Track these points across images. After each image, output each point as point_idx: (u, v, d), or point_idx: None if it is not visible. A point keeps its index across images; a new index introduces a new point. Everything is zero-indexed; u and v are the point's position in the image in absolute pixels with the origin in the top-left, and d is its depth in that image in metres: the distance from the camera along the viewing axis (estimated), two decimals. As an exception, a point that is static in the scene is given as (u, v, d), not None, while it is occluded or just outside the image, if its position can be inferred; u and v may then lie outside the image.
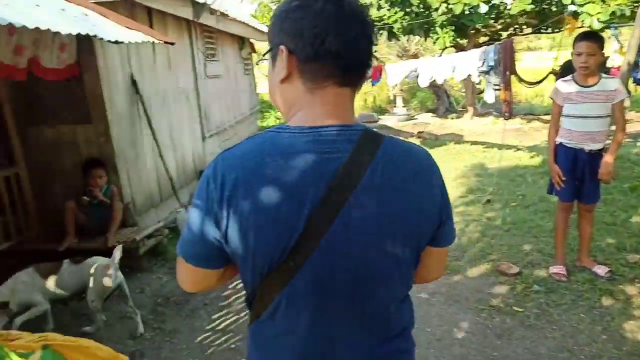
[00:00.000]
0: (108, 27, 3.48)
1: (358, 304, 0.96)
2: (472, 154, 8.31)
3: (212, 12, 6.30)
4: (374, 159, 0.91)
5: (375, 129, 0.97)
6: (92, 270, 3.03)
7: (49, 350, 1.69)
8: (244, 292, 1.02)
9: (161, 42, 3.99)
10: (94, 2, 4.00)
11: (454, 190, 5.97)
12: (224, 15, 6.99)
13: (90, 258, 3.14)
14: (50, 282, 3.02)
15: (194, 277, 1.03)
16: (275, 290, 0.94)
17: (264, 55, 1.03)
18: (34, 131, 4.32)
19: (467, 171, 6.99)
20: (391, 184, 0.92)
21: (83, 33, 2.90)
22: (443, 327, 3.04)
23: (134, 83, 4.74)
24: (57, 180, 4.40)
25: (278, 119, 17.16)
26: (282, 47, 0.93)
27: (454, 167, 7.21)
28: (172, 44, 4.34)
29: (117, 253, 3.07)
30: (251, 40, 9.89)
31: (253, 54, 10.92)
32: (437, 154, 8.51)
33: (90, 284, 3.00)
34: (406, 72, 8.06)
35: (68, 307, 3.39)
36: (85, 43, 3.99)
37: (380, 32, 11.07)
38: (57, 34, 3.24)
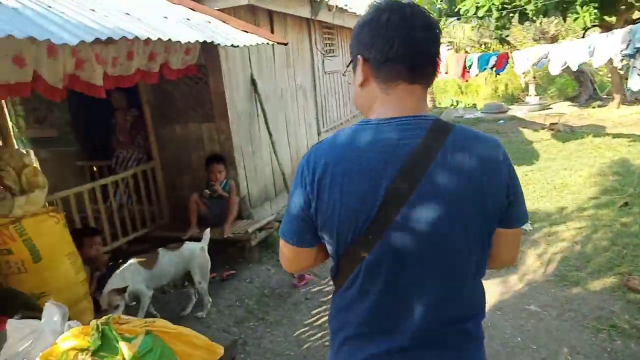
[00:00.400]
0: (227, 32, 3.72)
1: (428, 277, 1.05)
2: (614, 148, 7.33)
3: (330, 8, 6.39)
4: (444, 144, 1.03)
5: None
6: (192, 254, 3.26)
7: (150, 335, 1.89)
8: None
9: (275, 43, 4.15)
10: (218, 9, 4.30)
11: (585, 189, 5.34)
12: (342, 10, 7.05)
13: (183, 244, 3.37)
14: (152, 271, 3.27)
15: (290, 255, 1.20)
16: (356, 261, 1.07)
17: (347, 66, 1.21)
18: (167, 130, 4.81)
19: (605, 168, 6.19)
20: (460, 166, 1.03)
21: (200, 40, 3.14)
22: (551, 346, 2.75)
23: (253, 82, 5.02)
24: (185, 174, 4.86)
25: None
26: (359, 56, 1.12)
27: (588, 164, 6.45)
28: (285, 44, 4.50)
29: (206, 236, 3.28)
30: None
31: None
32: (569, 149, 7.68)
33: (195, 267, 3.24)
34: (534, 58, 7.36)
35: (169, 295, 3.73)
36: (209, 47, 4.31)
37: (511, 15, 10.26)
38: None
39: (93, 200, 4.25)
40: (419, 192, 1.01)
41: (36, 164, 5.58)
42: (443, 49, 14.45)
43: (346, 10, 7.12)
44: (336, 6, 6.51)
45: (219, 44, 3.31)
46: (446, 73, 9.19)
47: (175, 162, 4.85)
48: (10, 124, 5.47)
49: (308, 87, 6.59)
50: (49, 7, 2.41)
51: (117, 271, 3.16)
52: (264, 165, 5.23)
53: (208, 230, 3.44)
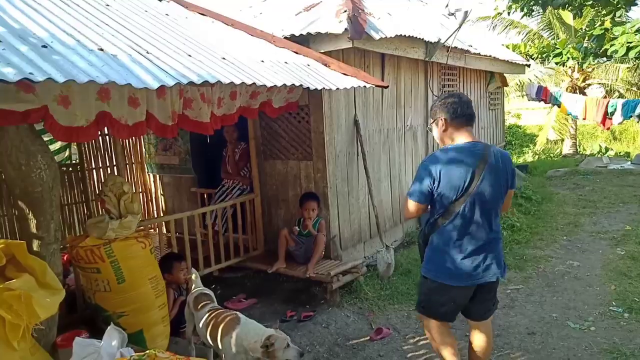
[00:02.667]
0: (323, 75, 3.78)
1: (485, 212, 2.53)
2: None
3: (449, 50, 6.17)
4: (491, 152, 2.53)
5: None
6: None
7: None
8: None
9: (373, 85, 4.10)
10: (324, 52, 4.40)
11: None
12: (464, 51, 6.77)
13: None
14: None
15: (412, 207, 2.62)
16: (457, 208, 2.51)
17: (429, 125, 2.80)
18: (269, 164, 5.00)
19: None
20: (498, 163, 2.53)
21: (288, 84, 3.22)
22: None
23: (356, 123, 5.02)
24: (281, 209, 4.98)
25: (535, 153, 15.64)
26: (442, 117, 2.60)
27: None
28: (385, 86, 4.42)
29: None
30: (502, 73, 9.29)
31: (504, 88, 10.26)
32: None
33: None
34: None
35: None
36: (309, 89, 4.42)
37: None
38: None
39: (202, 224, 4.60)
40: (483, 176, 2.48)
41: (160, 188, 6.21)
42: (585, 93, 13.00)
43: (468, 52, 6.82)
44: (455, 47, 6.26)
45: (307, 87, 3.35)
46: (584, 119, 8.24)
47: (274, 196, 5.01)
48: (143, 150, 6.20)
49: (419, 129, 6.39)
50: (148, 52, 2.67)
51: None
52: (360, 207, 5.14)
53: (195, 273, 3.46)
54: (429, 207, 2.63)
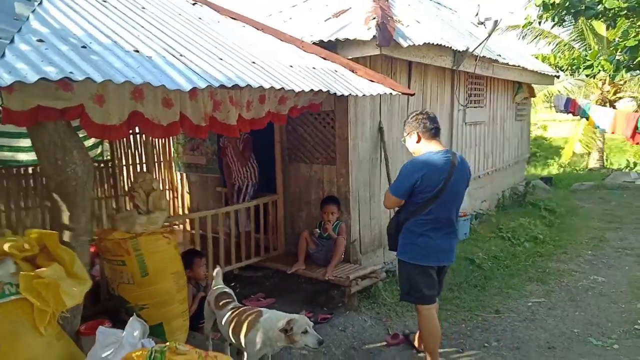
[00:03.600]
0: (350, 81, 3.82)
1: (452, 208, 3.22)
2: None
3: (477, 59, 6.14)
4: (457, 159, 3.21)
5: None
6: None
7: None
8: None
9: (400, 93, 4.13)
10: (351, 58, 4.44)
11: None
12: (492, 61, 6.72)
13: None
14: None
15: (392, 201, 3.29)
16: (432, 203, 3.12)
17: (404, 138, 3.45)
18: (293, 167, 5.07)
19: None
20: (461, 168, 3.21)
21: (316, 89, 3.27)
22: None
23: (380, 130, 5.04)
24: (303, 211, 5.03)
25: (561, 166, 15.37)
26: (416, 132, 3.28)
27: None
28: (412, 94, 4.44)
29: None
30: (530, 84, 9.18)
31: (531, 99, 10.11)
32: None
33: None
34: None
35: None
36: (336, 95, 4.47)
37: None
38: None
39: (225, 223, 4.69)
40: (452, 179, 3.11)
41: (186, 186, 6.34)
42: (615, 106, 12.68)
43: (496, 62, 6.76)
44: (484, 57, 6.22)
45: (334, 93, 3.39)
46: (612, 132, 8.07)
47: (296, 198, 5.06)
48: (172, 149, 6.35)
49: (443, 137, 6.35)
50: (181, 55, 2.76)
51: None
52: (381, 213, 5.15)
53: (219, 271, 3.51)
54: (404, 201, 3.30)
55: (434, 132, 3.24)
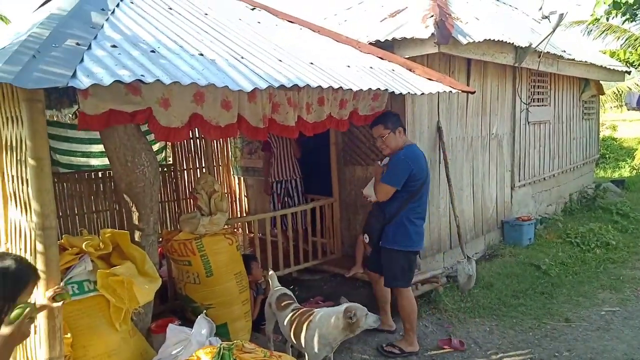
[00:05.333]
0: (408, 80, 3.75)
1: (428, 195, 3.67)
2: None
3: (540, 55, 5.87)
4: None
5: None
6: None
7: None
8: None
9: (459, 91, 4.00)
10: (409, 57, 4.37)
11: None
12: (557, 57, 6.41)
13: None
14: None
15: (389, 191, 3.46)
16: (420, 192, 3.51)
17: (386, 135, 3.61)
18: (349, 169, 5.03)
19: None
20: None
21: (374, 88, 3.23)
22: None
23: (438, 129, 4.92)
24: (360, 214, 4.98)
25: (633, 168, 14.42)
26: (399, 127, 3.63)
27: None
28: (472, 92, 4.28)
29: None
30: (598, 81, 8.68)
31: (600, 96, 9.56)
32: None
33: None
34: None
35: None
36: (394, 94, 4.40)
37: None
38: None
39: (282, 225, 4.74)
40: (428, 168, 3.62)
41: (243, 189, 6.46)
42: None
43: (561, 57, 6.44)
44: (548, 52, 5.94)
45: (392, 92, 3.34)
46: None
47: (353, 201, 5.02)
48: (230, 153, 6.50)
49: (505, 137, 6.13)
50: (242, 57, 2.81)
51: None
52: (440, 216, 5.01)
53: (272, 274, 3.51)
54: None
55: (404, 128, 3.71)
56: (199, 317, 2.55)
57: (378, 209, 3.63)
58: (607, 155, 15.93)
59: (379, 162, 3.75)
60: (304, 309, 3.12)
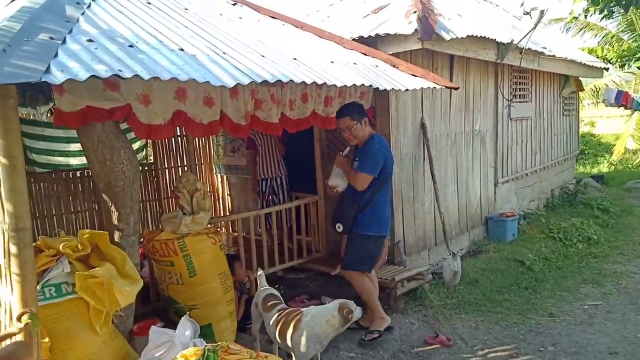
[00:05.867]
0: (392, 76, 3.72)
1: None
2: None
3: (520, 51, 5.91)
4: None
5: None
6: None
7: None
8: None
9: (443, 87, 4.00)
10: (392, 53, 4.34)
11: None
12: (537, 53, 6.47)
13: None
14: None
15: (367, 180, 3.54)
16: (390, 178, 3.76)
17: (355, 126, 3.64)
18: (332, 166, 4.99)
19: None
20: None
21: (358, 84, 3.19)
22: None
23: (423, 126, 4.92)
24: (345, 211, 4.94)
25: (612, 164, 14.70)
26: (365, 117, 3.68)
27: None
28: (456, 88, 4.29)
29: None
30: (577, 77, 8.81)
31: (579, 93, 9.69)
32: None
33: None
34: None
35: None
36: (379, 90, 4.37)
37: None
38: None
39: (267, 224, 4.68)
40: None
41: (227, 188, 6.38)
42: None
43: (542, 54, 6.50)
44: (529, 49, 5.98)
45: (377, 88, 3.31)
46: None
47: (337, 198, 4.97)
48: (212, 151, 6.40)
49: (488, 134, 6.17)
50: (224, 53, 2.74)
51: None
52: (425, 212, 5.01)
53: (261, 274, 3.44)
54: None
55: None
56: (182, 318, 2.49)
57: (350, 198, 3.67)
58: (586, 151, 16.21)
59: (341, 153, 3.83)
60: (290, 309, 3.08)
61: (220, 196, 6.50)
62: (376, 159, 3.54)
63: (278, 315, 3.00)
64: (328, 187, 3.98)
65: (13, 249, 2.06)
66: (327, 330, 2.85)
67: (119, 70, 2.02)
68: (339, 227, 3.79)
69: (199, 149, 6.35)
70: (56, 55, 2.02)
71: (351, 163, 3.71)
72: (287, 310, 3.03)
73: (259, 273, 3.48)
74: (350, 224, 3.67)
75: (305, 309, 3.05)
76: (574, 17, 9.28)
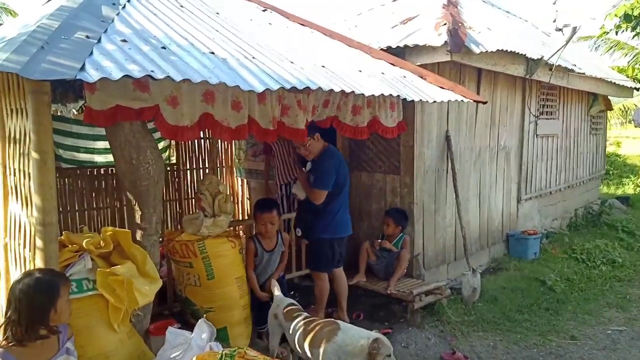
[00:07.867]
0: (419, 87, 3.69)
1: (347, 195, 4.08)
2: None
3: (550, 68, 5.82)
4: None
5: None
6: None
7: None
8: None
9: (471, 100, 3.95)
10: (420, 64, 4.31)
11: None
12: (567, 70, 6.36)
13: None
14: None
15: (323, 196, 3.77)
16: (345, 185, 3.95)
17: (309, 141, 3.77)
18: (354, 175, 4.96)
19: None
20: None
21: (386, 94, 3.17)
22: None
23: (447, 139, 4.86)
24: (364, 221, 4.92)
25: (637, 185, 14.33)
26: (317, 134, 3.78)
27: None
28: (484, 102, 4.23)
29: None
30: (606, 96, 8.63)
31: (607, 112, 9.49)
32: None
33: None
34: None
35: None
36: (406, 101, 4.33)
37: None
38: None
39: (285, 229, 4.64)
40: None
41: (247, 192, 6.40)
42: None
43: (572, 71, 6.39)
44: (559, 65, 5.88)
45: (404, 98, 3.28)
46: None
47: (357, 208, 4.95)
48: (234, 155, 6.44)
49: (513, 150, 6.07)
50: (254, 57, 2.75)
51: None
52: (446, 226, 4.94)
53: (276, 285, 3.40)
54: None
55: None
56: (199, 320, 2.48)
57: (308, 205, 3.91)
58: (610, 172, 15.84)
59: (304, 168, 4.03)
60: (318, 319, 2.95)
61: (240, 200, 6.51)
62: (329, 175, 3.76)
63: (304, 325, 2.85)
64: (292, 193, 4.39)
65: (39, 243, 2.08)
66: (355, 353, 2.60)
67: (152, 71, 2.04)
68: (298, 232, 4.24)
69: (221, 152, 6.39)
70: (91, 53, 2.05)
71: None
72: (316, 321, 2.89)
73: (272, 282, 3.39)
74: (307, 229, 3.99)
75: (343, 323, 2.88)
76: (604, 32, 9.11)
